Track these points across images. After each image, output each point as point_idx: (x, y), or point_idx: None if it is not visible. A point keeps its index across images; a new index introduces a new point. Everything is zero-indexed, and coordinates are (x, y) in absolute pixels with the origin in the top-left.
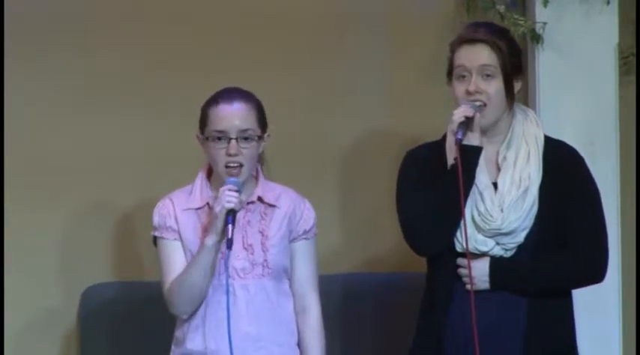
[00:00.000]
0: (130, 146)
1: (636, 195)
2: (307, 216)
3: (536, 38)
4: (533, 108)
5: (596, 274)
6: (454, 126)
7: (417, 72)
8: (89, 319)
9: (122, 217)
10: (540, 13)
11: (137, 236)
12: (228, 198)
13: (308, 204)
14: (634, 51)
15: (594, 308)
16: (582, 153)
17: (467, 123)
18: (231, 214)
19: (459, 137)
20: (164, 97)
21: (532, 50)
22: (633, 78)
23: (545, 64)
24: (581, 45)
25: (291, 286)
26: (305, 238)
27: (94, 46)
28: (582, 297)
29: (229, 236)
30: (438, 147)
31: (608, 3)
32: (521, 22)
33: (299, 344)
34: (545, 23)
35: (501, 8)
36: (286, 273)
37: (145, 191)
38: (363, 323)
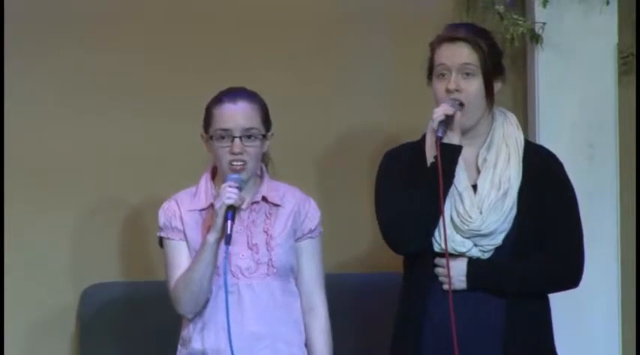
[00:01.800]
0: (131, 145)
1: (636, 195)
2: (312, 214)
3: (536, 38)
4: (532, 108)
5: (572, 278)
6: (434, 124)
7: (416, 72)
8: (89, 318)
9: (123, 217)
10: (540, 13)
11: (140, 235)
12: (228, 194)
13: (313, 203)
14: (634, 51)
15: (593, 309)
16: (581, 154)
17: (447, 122)
18: (230, 210)
19: (439, 135)
20: (164, 96)
21: (531, 50)
22: (633, 78)
23: (544, 64)
24: (580, 45)
25: (297, 285)
26: (310, 237)
27: (94, 46)
28: (582, 298)
29: (228, 232)
30: (417, 147)
31: (608, 3)
32: (521, 22)
33: (306, 344)
34: (544, 23)
35: (500, 8)
36: (293, 273)
37: (146, 190)
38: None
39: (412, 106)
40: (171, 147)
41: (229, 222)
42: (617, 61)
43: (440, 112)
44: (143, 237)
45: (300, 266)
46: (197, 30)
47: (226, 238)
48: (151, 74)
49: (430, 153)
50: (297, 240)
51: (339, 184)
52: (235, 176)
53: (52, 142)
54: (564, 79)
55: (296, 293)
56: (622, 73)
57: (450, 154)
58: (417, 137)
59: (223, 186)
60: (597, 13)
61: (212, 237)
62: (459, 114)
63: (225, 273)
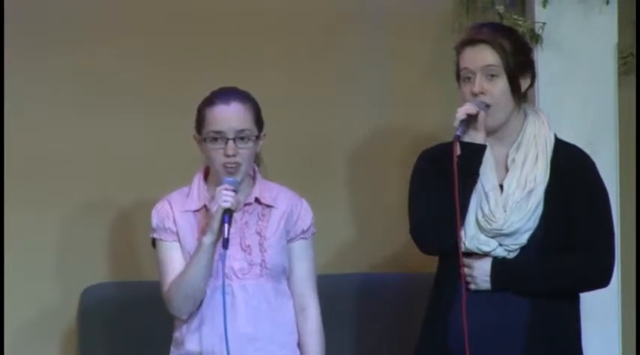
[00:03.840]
0: (130, 146)
1: (636, 195)
2: (304, 215)
3: (536, 38)
4: None
5: (601, 278)
6: (456, 123)
7: (416, 71)
8: (88, 319)
9: (122, 217)
10: (539, 13)
11: (137, 236)
12: (225, 197)
13: (305, 204)
14: (633, 51)
15: (593, 309)
16: None
17: (469, 121)
18: (227, 214)
19: (458, 134)
20: (164, 97)
21: (531, 50)
22: (633, 78)
23: (544, 64)
24: (580, 45)
25: (289, 286)
26: (303, 238)
27: (94, 46)
28: (581, 298)
29: (226, 235)
30: (450, 147)
31: (608, 3)
32: (521, 22)
33: (298, 344)
34: (544, 23)
35: (500, 8)
36: (285, 273)
37: (145, 191)
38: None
39: (412, 106)
40: (171, 147)
41: (226, 226)
42: (617, 61)
43: (462, 112)
44: (143, 237)
45: (292, 267)
46: (197, 30)
47: (224, 242)
48: (151, 74)
49: (457, 153)
50: (289, 240)
51: (337, 184)
52: (231, 179)
53: (52, 142)
54: (564, 79)
55: (288, 294)
56: (622, 73)
57: (472, 153)
58: (417, 135)
59: (219, 189)
60: (597, 13)
61: (208, 240)
62: (482, 114)
63: (223, 277)
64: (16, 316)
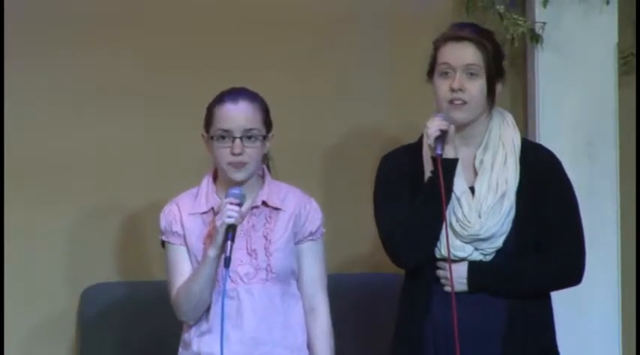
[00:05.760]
0: (131, 145)
1: (636, 195)
2: (313, 216)
3: (536, 38)
4: (533, 108)
5: (573, 277)
6: (431, 141)
7: (416, 72)
8: (89, 319)
9: (123, 216)
10: (540, 13)
11: (139, 235)
12: (229, 212)
13: (314, 204)
14: (634, 51)
15: (593, 309)
16: (581, 154)
17: (443, 137)
18: (230, 230)
19: (439, 153)
20: (164, 97)
21: (531, 50)
22: (633, 78)
23: (544, 64)
24: (580, 45)
25: (299, 287)
26: (311, 239)
27: (94, 46)
28: (582, 298)
29: (227, 254)
30: (415, 150)
31: (608, 3)
32: (521, 22)
33: (308, 345)
34: (544, 23)
35: (501, 8)
36: (294, 275)
37: (145, 190)
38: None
39: (412, 106)
40: (171, 147)
41: (229, 243)
42: (617, 61)
43: (435, 128)
44: (143, 237)
45: (302, 268)
46: (197, 30)
47: (225, 261)
48: (151, 74)
49: (428, 166)
50: (298, 242)
51: (339, 184)
52: (237, 191)
53: (52, 142)
54: (564, 79)
55: (297, 296)
56: (622, 73)
57: (448, 170)
58: (416, 136)
59: (224, 202)
60: (597, 13)
61: (212, 253)
62: (452, 128)
63: (223, 297)
64: (17, 316)
